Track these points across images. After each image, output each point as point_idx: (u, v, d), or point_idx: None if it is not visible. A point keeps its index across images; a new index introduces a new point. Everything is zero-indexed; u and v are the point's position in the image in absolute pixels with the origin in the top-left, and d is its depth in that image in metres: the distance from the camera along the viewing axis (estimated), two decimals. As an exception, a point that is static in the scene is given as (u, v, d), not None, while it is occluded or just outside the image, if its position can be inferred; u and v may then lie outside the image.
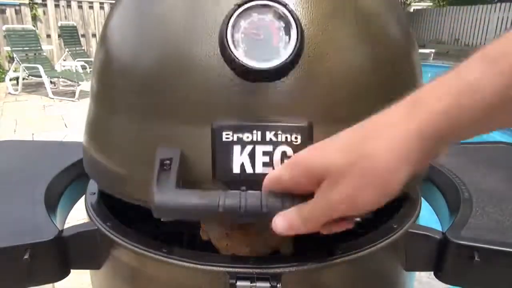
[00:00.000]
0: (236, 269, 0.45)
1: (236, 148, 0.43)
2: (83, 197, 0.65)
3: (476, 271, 0.50)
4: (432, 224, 0.56)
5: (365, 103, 0.47)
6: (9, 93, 5.46)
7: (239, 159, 0.43)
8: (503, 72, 0.28)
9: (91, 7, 7.71)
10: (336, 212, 0.33)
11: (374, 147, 0.31)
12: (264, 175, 0.40)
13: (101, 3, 7.73)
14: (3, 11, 6.62)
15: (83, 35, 7.47)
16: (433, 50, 8.98)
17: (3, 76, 6.12)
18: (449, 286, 0.97)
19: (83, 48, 6.86)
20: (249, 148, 0.43)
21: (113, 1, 0.58)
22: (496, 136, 0.76)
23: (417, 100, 0.31)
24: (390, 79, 0.50)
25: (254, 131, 0.43)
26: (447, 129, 0.30)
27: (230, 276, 0.44)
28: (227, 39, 0.42)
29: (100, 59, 0.55)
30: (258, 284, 0.44)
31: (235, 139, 0.43)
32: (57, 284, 1.24)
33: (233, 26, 0.42)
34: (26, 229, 0.52)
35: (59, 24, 6.83)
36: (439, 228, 0.55)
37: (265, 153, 0.43)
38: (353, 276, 0.51)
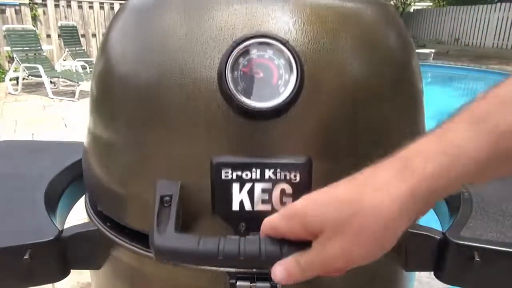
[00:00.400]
0: (236, 269, 0.45)
1: (235, 186, 0.43)
2: (83, 197, 0.65)
3: (476, 271, 0.50)
4: (432, 224, 0.56)
5: (365, 138, 0.47)
6: (9, 93, 5.46)
7: (238, 197, 0.43)
8: (490, 132, 0.28)
9: (91, 7, 7.69)
10: (333, 265, 0.34)
11: (369, 206, 0.31)
12: (263, 212, 0.40)
13: (101, 3, 7.72)
14: (3, 11, 6.61)
15: (83, 35, 7.46)
16: (433, 50, 8.97)
17: (3, 76, 6.11)
18: (449, 286, 0.97)
19: (83, 48, 6.85)
20: (248, 185, 0.43)
21: (113, 1, 0.57)
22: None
23: (406, 161, 0.31)
24: (389, 113, 0.49)
25: (253, 169, 0.43)
26: (439, 188, 0.31)
27: (230, 276, 0.45)
28: (226, 77, 0.41)
29: (98, 75, 0.54)
30: (258, 284, 0.44)
31: (234, 177, 0.43)
32: (57, 284, 1.24)
33: (232, 65, 0.42)
34: (26, 229, 0.52)
35: (59, 24, 6.81)
36: (439, 228, 0.55)
37: (264, 191, 0.43)
38: (353, 276, 0.51)
